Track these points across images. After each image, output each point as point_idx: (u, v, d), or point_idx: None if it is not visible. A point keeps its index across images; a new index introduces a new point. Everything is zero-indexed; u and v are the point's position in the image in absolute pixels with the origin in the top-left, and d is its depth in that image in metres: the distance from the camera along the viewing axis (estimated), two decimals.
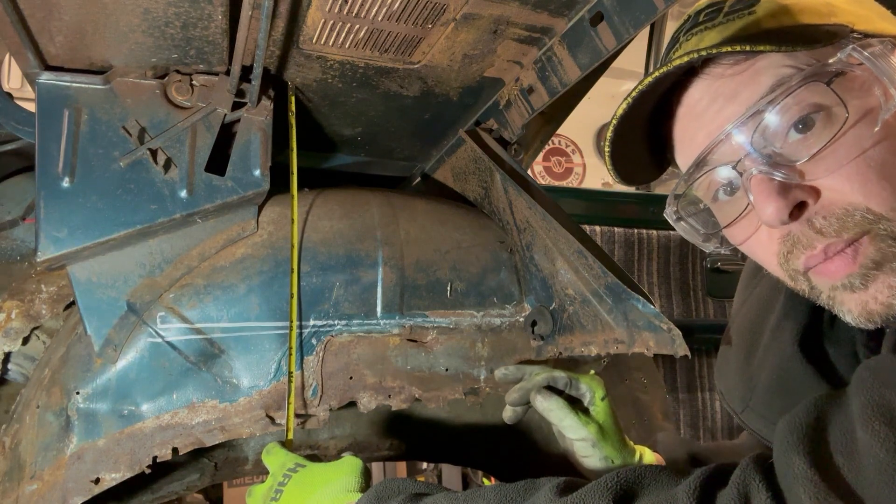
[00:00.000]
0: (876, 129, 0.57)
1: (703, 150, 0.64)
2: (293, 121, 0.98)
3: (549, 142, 2.20)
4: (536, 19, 0.89)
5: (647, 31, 2.51)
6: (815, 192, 0.59)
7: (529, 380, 0.89)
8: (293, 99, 0.98)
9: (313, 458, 0.82)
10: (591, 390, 0.88)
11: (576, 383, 0.89)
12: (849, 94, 0.58)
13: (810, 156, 0.58)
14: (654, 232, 2.18)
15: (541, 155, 4.40)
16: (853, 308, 0.59)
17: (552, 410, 0.85)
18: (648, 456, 0.92)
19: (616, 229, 2.13)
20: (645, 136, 0.73)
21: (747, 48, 0.58)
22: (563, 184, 4.52)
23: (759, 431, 0.79)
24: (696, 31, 0.69)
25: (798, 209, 0.59)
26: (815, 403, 0.52)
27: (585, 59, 0.90)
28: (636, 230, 2.16)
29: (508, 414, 0.92)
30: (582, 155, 4.71)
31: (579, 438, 0.85)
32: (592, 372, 0.94)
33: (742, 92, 0.62)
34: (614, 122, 0.66)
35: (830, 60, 0.58)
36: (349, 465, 0.76)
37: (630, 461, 0.88)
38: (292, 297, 0.92)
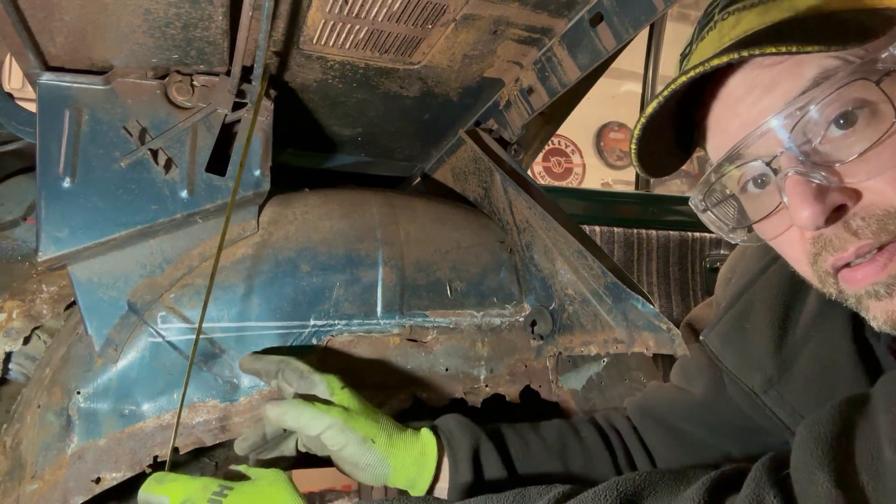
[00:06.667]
0: None
1: (737, 143, 0.59)
2: (250, 136, 0.91)
3: (549, 142, 2.21)
4: (536, 20, 0.89)
5: (646, 31, 2.51)
6: (856, 195, 0.55)
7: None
8: (260, 110, 0.91)
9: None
10: (325, 381, 0.80)
11: (308, 376, 0.81)
12: None
13: (853, 157, 0.54)
14: (654, 232, 2.18)
15: (541, 155, 4.40)
16: (878, 315, 0.56)
17: (286, 412, 0.75)
18: (427, 437, 0.81)
19: (616, 229, 2.13)
20: (671, 120, 0.67)
21: (794, 49, 0.52)
22: (563, 184, 4.52)
23: (781, 417, 0.75)
24: (732, 11, 0.62)
25: (836, 213, 0.55)
26: (839, 412, 0.49)
27: (585, 60, 0.91)
28: (636, 230, 2.16)
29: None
30: (582, 155, 4.71)
31: (326, 427, 0.74)
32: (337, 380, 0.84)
33: (781, 83, 0.57)
34: (643, 120, 0.61)
35: (883, 55, 0.53)
36: (278, 478, 0.71)
37: (398, 436, 0.78)
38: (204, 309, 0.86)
